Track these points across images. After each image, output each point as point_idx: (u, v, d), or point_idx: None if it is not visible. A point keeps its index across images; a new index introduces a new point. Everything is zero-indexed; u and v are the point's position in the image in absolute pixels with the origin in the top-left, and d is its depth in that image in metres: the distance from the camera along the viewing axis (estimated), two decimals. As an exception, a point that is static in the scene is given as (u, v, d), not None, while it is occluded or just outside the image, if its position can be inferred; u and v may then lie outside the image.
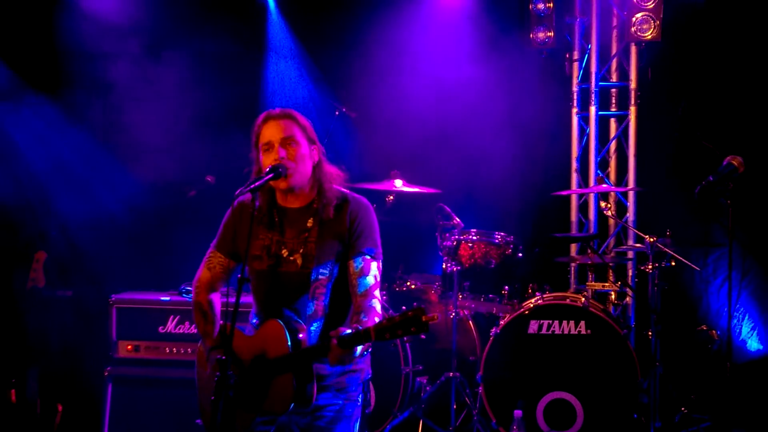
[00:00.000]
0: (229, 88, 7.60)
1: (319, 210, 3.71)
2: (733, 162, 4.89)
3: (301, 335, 3.58)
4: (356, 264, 3.67)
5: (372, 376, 3.92)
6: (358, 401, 3.78)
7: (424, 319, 3.25)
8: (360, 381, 3.77)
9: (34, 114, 7.06)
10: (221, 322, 3.85)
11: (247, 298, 3.75)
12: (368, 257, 3.69)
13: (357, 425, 3.78)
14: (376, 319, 3.57)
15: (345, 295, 3.70)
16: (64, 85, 7.22)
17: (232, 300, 3.45)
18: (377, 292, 3.68)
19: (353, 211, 3.72)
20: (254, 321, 3.82)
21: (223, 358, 3.40)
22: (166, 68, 7.39)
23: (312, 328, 3.66)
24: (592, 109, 7.66)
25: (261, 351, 3.63)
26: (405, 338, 3.28)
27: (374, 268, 3.70)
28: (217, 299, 3.92)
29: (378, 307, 3.64)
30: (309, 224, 3.72)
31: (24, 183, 6.97)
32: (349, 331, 3.35)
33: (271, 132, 3.69)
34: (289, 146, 3.67)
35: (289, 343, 3.53)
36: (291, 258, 3.70)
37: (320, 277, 3.66)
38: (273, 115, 3.73)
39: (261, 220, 3.76)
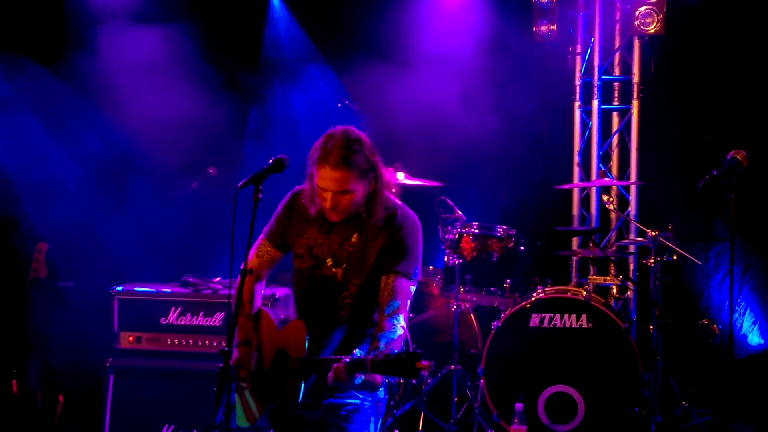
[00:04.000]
0: (228, 76, 7.56)
1: (365, 225, 3.70)
2: (737, 156, 4.88)
3: (324, 342, 3.63)
4: (388, 282, 3.62)
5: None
6: (379, 398, 3.75)
7: (416, 365, 3.19)
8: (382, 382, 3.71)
9: (36, 98, 7.07)
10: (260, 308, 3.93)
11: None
12: (402, 277, 3.63)
13: (377, 422, 3.76)
14: (385, 349, 3.51)
15: (372, 308, 3.68)
16: (66, 67, 7.19)
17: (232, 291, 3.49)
18: (402, 315, 3.61)
19: (396, 228, 3.68)
20: (292, 313, 3.89)
21: (227, 349, 3.43)
22: (162, 54, 7.33)
23: (335, 334, 3.68)
24: (595, 102, 7.66)
25: (284, 347, 3.68)
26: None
27: (406, 290, 3.64)
28: (259, 288, 3.97)
29: (399, 332, 3.57)
30: (353, 239, 3.71)
31: (25, 174, 6.96)
32: (357, 357, 3.33)
33: (326, 181, 3.60)
34: (341, 197, 3.62)
35: (306, 348, 3.55)
36: (334, 269, 3.72)
37: (351, 287, 3.68)
38: (330, 160, 3.59)
39: (309, 217, 3.78)
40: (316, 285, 3.75)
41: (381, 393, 3.76)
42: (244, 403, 3.80)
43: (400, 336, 3.58)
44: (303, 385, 3.54)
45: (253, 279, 3.92)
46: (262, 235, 3.94)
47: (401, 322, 3.60)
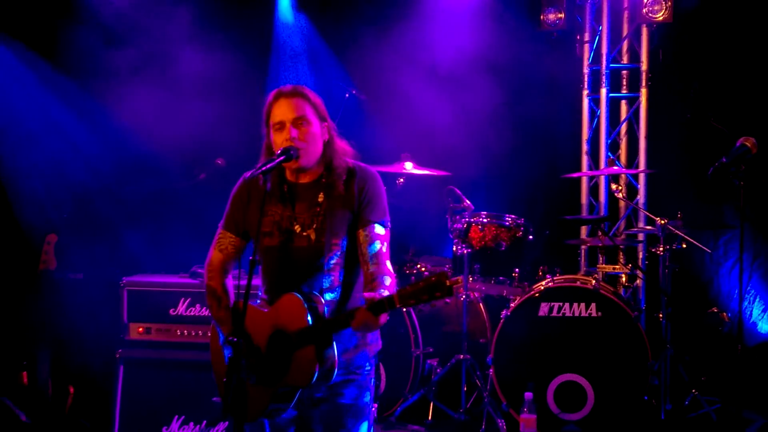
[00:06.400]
0: (236, 65, 7.53)
1: (328, 184, 3.71)
2: (747, 143, 4.86)
3: (320, 308, 3.58)
4: (365, 233, 3.67)
5: (382, 358, 3.93)
6: (372, 375, 3.81)
7: (448, 283, 3.24)
8: (371, 355, 3.78)
9: (43, 88, 7.06)
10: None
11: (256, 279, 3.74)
12: (376, 226, 3.69)
13: (371, 399, 3.80)
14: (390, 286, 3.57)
15: (357, 266, 3.71)
16: (77, 66, 7.19)
17: (243, 282, 3.43)
18: (388, 262, 3.66)
19: (361, 181, 3.72)
20: (265, 297, 3.82)
21: (236, 340, 3.41)
22: (170, 41, 7.31)
23: (327, 299, 3.64)
24: (603, 91, 7.64)
25: (280, 326, 3.61)
26: (430, 303, 3.26)
27: (384, 235, 3.70)
28: (230, 282, 3.90)
29: (390, 272, 3.63)
30: (320, 199, 3.71)
31: (37, 166, 6.98)
32: (376, 296, 3.36)
33: (282, 111, 3.67)
34: (300, 126, 3.66)
35: (309, 316, 3.53)
36: (304, 233, 3.70)
37: (334, 249, 3.66)
38: (284, 92, 3.70)
39: (271, 196, 3.73)
40: (293, 257, 3.70)
41: (372, 371, 3.81)
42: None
43: (391, 275, 3.62)
44: (317, 352, 3.51)
45: (219, 273, 3.86)
46: (219, 228, 3.89)
47: (389, 266, 3.65)
